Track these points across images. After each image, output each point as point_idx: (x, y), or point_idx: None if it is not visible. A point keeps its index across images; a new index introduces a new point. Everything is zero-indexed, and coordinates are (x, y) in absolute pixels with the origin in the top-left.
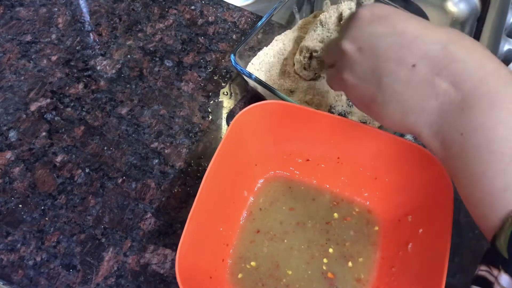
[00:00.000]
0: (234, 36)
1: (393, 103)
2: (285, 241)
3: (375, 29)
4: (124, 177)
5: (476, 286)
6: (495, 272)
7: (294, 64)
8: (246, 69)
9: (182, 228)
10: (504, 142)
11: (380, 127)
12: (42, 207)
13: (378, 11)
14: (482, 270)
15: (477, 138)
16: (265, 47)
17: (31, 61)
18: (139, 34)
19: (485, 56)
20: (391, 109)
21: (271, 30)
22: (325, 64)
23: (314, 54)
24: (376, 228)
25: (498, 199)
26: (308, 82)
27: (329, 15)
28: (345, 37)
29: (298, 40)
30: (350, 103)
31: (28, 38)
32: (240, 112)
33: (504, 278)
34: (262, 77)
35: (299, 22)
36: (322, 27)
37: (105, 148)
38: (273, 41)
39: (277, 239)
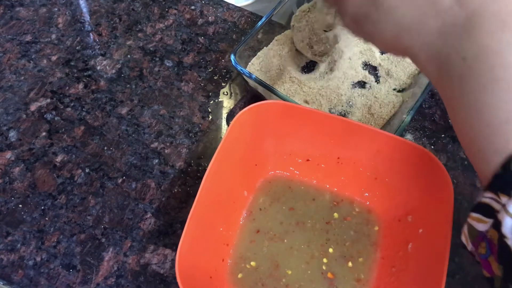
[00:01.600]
0: (234, 36)
1: (388, 20)
2: (285, 241)
3: None
4: (124, 177)
5: (476, 213)
6: (503, 199)
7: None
8: (246, 69)
9: (182, 228)
10: (511, 68)
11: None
12: (42, 207)
13: None
14: (487, 197)
15: (481, 63)
16: (265, 47)
17: (31, 61)
18: (139, 34)
19: None
20: (385, 26)
21: (271, 30)
22: None
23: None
24: (376, 228)
25: (499, 131)
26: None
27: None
28: None
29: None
30: (351, 103)
31: (28, 38)
32: (240, 112)
33: None
34: (262, 77)
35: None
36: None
37: (105, 148)
38: (273, 41)
39: (277, 239)
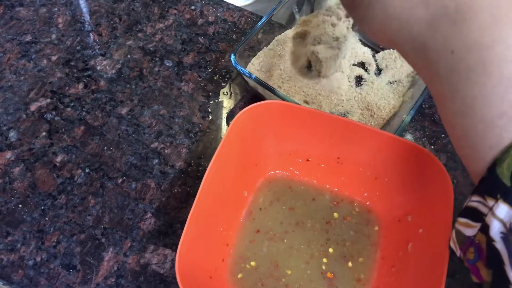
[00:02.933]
0: (234, 36)
1: (377, 6)
2: (285, 240)
3: None
4: (124, 177)
5: (463, 218)
6: (490, 202)
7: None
8: (246, 69)
9: (182, 228)
10: (504, 62)
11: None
12: (42, 207)
13: None
14: (474, 201)
15: (471, 57)
16: (265, 47)
17: (31, 61)
18: (139, 34)
19: None
20: (375, 12)
21: (271, 30)
22: None
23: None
24: (376, 228)
25: (492, 127)
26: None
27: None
28: None
29: (298, 40)
30: (351, 103)
31: (28, 38)
32: (240, 112)
33: (502, 207)
34: (262, 77)
35: (299, 21)
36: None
37: (105, 148)
38: (273, 41)
39: (277, 238)
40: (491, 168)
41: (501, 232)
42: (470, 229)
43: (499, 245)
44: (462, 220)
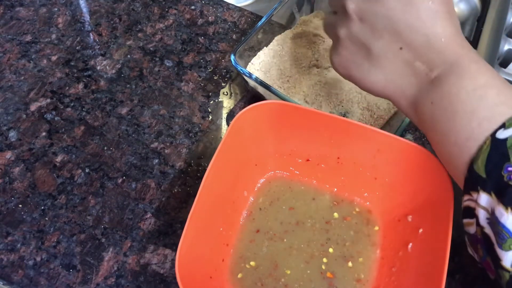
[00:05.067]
0: (234, 36)
1: (378, 73)
2: (285, 240)
3: (381, 3)
4: (124, 177)
5: (464, 219)
6: (474, 195)
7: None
8: (246, 69)
9: (182, 228)
10: (465, 103)
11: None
12: (42, 207)
13: None
14: (465, 200)
15: (444, 102)
16: (265, 47)
17: (31, 61)
18: (139, 34)
19: (459, 44)
20: (375, 77)
21: (271, 30)
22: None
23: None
24: (376, 228)
25: (463, 147)
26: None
27: None
28: None
29: (298, 40)
30: (351, 103)
31: (28, 38)
32: (240, 112)
33: (483, 197)
34: (262, 77)
35: (299, 21)
36: None
37: (105, 148)
38: (273, 41)
39: (277, 238)
40: (470, 168)
41: (487, 218)
42: (471, 227)
43: (488, 229)
44: (464, 221)
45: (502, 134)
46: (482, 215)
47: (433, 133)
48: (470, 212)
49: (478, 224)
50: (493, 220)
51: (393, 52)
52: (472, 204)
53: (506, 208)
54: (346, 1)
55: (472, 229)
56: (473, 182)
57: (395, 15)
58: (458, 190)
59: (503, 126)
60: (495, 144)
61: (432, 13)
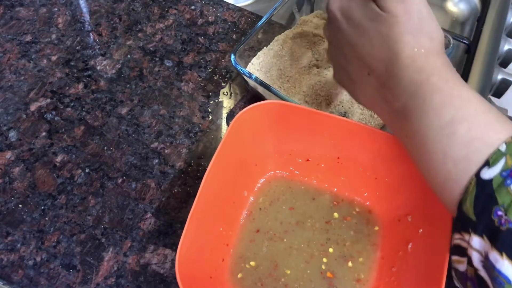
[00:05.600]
0: (234, 36)
1: (359, 92)
2: (285, 240)
3: (341, 33)
4: (124, 177)
5: (454, 256)
6: (466, 237)
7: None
8: (246, 69)
9: (182, 228)
10: (435, 142)
11: (382, 128)
12: (42, 207)
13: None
14: (456, 239)
15: (416, 140)
16: (265, 47)
17: (31, 61)
18: (139, 34)
19: (418, 68)
20: (358, 93)
21: (271, 30)
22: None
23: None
24: (376, 228)
25: (444, 188)
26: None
27: None
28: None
29: (298, 40)
30: (351, 103)
31: (28, 38)
32: (240, 112)
33: (475, 240)
34: (262, 77)
35: (299, 21)
36: None
37: (105, 148)
38: (273, 41)
39: (277, 238)
40: (459, 207)
41: (481, 261)
42: (461, 264)
43: (483, 272)
44: (453, 257)
45: (487, 174)
46: (475, 257)
47: (416, 164)
48: (461, 251)
49: (471, 264)
50: (488, 265)
51: (363, 77)
52: (463, 244)
53: (501, 254)
54: (324, 28)
55: (461, 267)
56: (463, 223)
57: (356, 43)
58: None
59: (487, 163)
60: (481, 186)
61: (383, 38)
